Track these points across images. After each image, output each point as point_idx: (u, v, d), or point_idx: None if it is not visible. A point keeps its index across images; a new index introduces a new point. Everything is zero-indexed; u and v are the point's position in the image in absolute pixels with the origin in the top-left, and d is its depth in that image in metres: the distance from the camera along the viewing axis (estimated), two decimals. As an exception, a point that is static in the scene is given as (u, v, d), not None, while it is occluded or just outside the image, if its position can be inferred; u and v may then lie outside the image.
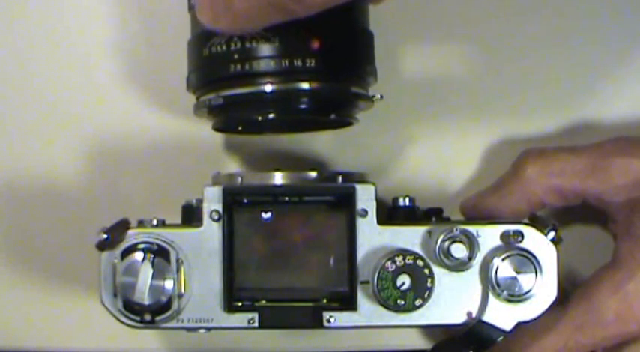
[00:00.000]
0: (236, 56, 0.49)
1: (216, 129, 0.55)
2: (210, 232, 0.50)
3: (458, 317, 0.50)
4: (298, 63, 0.49)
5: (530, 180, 0.54)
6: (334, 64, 0.50)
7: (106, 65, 0.59)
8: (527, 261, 0.50)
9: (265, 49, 0.49)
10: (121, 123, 0.59)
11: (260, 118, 0.51)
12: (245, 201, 0.51)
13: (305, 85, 0.50)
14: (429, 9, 0.59)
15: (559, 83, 0.59)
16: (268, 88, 0.50)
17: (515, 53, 0.59)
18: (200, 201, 0.50)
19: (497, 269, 0.50)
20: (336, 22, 0.50)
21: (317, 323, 0.50)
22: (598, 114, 0.59)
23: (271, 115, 0.51)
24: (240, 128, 0.56)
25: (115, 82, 0.59)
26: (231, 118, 0.53)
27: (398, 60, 0.58)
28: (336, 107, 0.52)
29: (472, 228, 0.50)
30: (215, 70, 0.50)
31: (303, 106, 0.51)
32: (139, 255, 0.49)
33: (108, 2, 0.59)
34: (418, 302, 0.49)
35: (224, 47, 0.50)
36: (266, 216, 0.51)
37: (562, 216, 0.57)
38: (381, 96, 0.53)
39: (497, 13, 0.59)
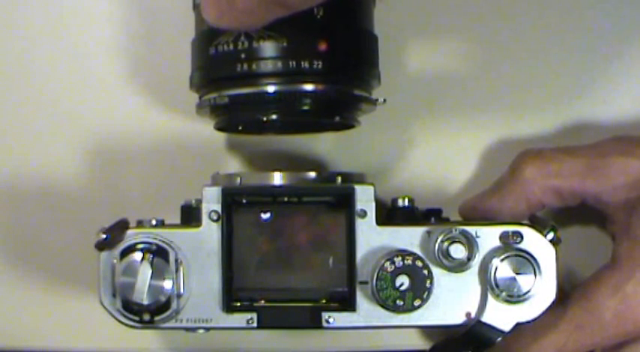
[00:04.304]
0: (243, 55, 0.49)
1: (218, 128, 0.54)
2: (210, 232, 0.50)
3: (457, 318, 0.50)
4: (305, 64, 0.49)
5: (528, 181, 0.54)
6: (340, 66, 0.50)
7: (105, 65, 0.59)
8: (526, 261, 0.50)
9: (273, 49, 0.49)
10: (121, 123, 0.59)
11: (262, 119, 0.51)
12: (244, 201, 0.51)
13: (308, 87, 0.50)
14: (427, 11, 0.59)
15: (558, 84, 0.59)
16: (271, 88, 0.50)
17: (515, 54, 0.59)
18: (199, 201, 0.50)
19: (496, 269, 0.50)
20: (343, 25, 0.50)
21: (316, 323, 0.50)
22: (596, 115, 0.59)
23: (274, 116, 0.51)
24: (241, 128, 0.56)
25: (115, 82, 0.59)
26: (233, 118, 0.53)
27: (397, 61, 0.58)
28: (339, 109, 0.52)
29: (471, 229, 0.50)
30: (221, 69, 0.50)
31: (305, 108, 0.51)
32: (138, 255, 0.49)
33: (108, 1, 0.59)
34: (417, 302, 0.49)
35: (231, 46, 0.50)
36: (265, 216, 0.51)
37: (561, 217, 0.57)
38: (384, 100, 0.53)
39: (497, 15, 0.59)
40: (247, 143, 0.59)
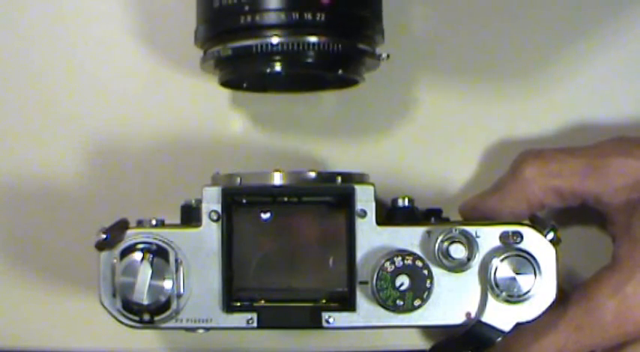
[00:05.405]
0: (247, 8, 0.50)
1: (223, 83, 0.54)
2: (210, 232, 0.50)
3: (457, 318, 0.50)
4: (308, 16, 0.49)
5: (529, 181, 0.54)
6: (343, 20, 0.50)
7: (105, 65, 0.59)
8: (526, 261, 0.49)
9: (276, 0, 0.49)
10: (121, 123, 0.59)
11: (266, 71, 0.51)
12: (244, 201, 0.51)
13: (312, 39, 0.50)
14: (425, 9, 0.59)
15: (558, 84, 0.59)
16: (275, 40, 0.50)
17: (515, 54, 0.59)
18: (199, 201, 0.50)
19: (496, 269, 0.50)
20: None
21: (316, 323, 0.50)
22: (596, 115, 0.59)
23: (277, 68, 0.51)
24: (245, 85, 0.56)
25: (115, 82, 0.59)
26: (237, 71, 0.53)
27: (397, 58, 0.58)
28: (342, 63, 0.52)
29: (471, 229, 0.50)
30: (225, 22, 0.51)
31: (309, 60, 0.51)
32: (137, 255, 0.49)
33: (108, 1, 0.59)
34: (417, 302, 0.49)
35: None
36: (265, 216, 0.51)
37: (561, 217, 0.57)
38: (388, 56, 0.53)
39: (498, 14, 0.59)
40: (248, 143, 0.59)
